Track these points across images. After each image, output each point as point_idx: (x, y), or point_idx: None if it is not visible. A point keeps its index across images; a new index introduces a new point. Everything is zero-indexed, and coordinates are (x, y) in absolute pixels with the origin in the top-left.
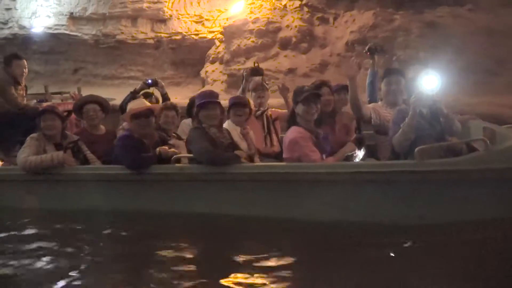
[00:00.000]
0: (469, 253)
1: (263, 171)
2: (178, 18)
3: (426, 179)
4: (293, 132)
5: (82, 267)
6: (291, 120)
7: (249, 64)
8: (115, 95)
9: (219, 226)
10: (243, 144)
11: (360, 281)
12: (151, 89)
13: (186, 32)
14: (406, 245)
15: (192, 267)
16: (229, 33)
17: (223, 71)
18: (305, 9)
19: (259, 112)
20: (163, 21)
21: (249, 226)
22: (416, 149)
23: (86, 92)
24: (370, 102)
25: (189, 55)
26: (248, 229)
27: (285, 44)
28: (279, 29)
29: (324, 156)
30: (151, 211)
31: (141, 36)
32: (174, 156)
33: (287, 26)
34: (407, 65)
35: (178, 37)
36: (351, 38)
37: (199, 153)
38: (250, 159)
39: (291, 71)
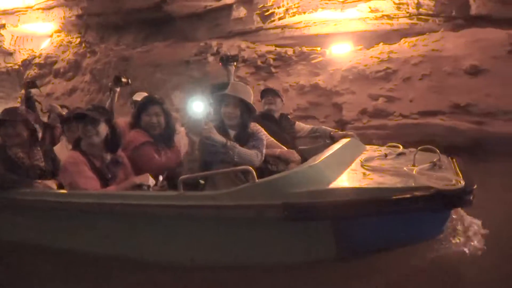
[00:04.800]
0: None
1: (37, 198)
2: (20, 52)
3: (187, 214)
4: (66, 157)
5: None
6: (75, 143)
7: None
8: None
9: (20, 254)
10: None
11: None
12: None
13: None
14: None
15: None
16: (24, 66)
17: (21, 95)
18: (83, 44)
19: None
20: (11, 54)
21: (40, 255)
22: (179, 179)
23: None
24: None
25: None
26: (38, 259)
27: (57, 74)
28: (55, 62)
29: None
30: None
31: None
32: None
33: (62, 59)
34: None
35: (16, 67)
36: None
37: None
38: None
39: (49, 95)
